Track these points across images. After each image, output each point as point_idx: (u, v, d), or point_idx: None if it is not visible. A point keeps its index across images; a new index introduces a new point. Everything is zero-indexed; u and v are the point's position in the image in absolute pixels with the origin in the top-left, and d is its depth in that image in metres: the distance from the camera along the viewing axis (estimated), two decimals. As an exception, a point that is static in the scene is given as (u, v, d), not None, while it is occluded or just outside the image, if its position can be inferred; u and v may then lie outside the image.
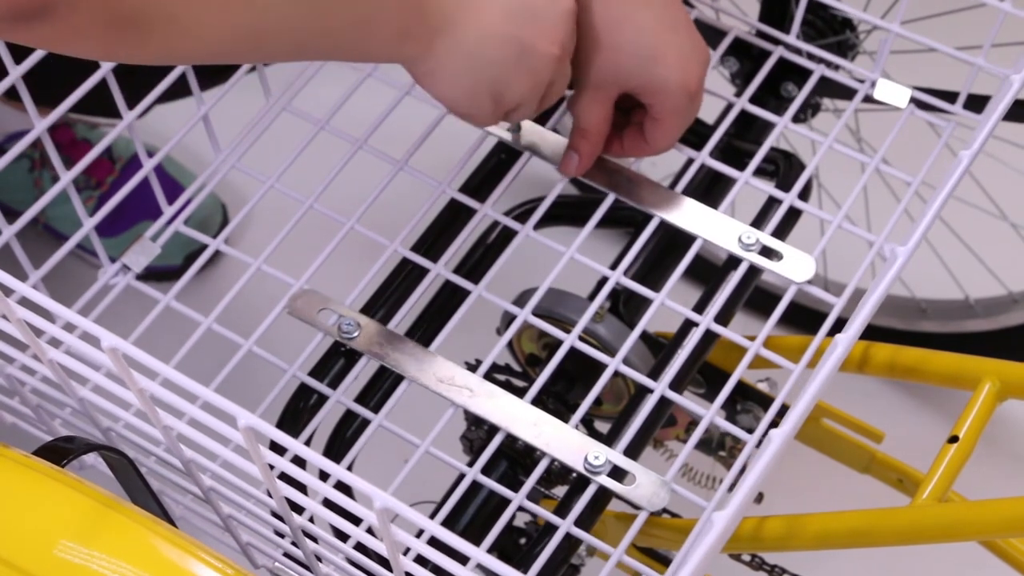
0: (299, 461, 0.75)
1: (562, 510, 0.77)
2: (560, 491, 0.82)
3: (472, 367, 0.90)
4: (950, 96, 0.91)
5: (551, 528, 0.77)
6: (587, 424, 0.97)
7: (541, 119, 0.89)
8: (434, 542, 0.52)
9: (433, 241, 0.87)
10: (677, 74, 0.80)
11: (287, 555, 0.70)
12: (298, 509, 0.60)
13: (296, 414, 0.82)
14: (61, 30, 0.59)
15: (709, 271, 0.88)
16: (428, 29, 0.73)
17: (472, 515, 0.85)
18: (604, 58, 0.79)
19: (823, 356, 0.71)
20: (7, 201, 1.40)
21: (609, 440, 0.80)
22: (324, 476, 0.79)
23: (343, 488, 0.74)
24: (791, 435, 0.64)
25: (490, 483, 0.77)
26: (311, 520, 0.65)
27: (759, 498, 0.98)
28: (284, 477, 0.55)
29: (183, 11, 0.62)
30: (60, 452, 0.57)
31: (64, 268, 0.82)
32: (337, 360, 0.82)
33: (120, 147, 1.43)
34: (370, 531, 0.71)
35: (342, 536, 0.66)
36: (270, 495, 0.58)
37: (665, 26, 0.79)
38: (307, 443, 0.80)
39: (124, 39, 0.61)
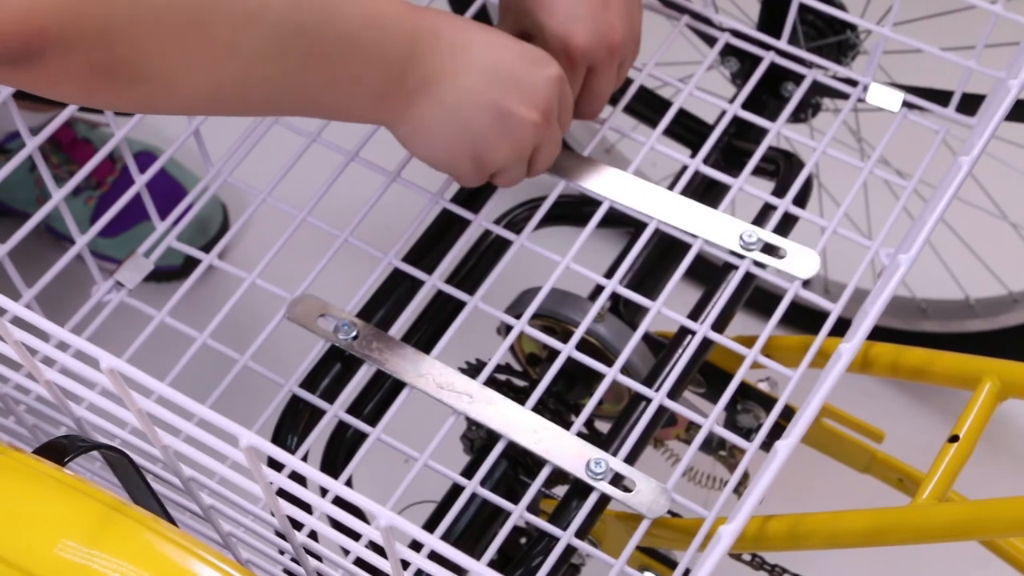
0: (299, 476, 0.74)
1: (561, 514, 0.77)
2: (559, 490, 0.82)
3: (471, 367, 0.90)
4: (945, 96, 0.91)
5: (551, 533, 0.76)
6: (587, 423, 0.97)
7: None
8: (435, 556, 0.52)
9: (427, 250, 0.87)
10: (556, 28, 0.80)
11: (287, 572, 0.70)
12: (298, 526, 0.60)
13: (294, 421, 0.81)
14: (47, 75, 0.58)
15: (709, 271, 0.88)
16: (407, 92, 0.74)
17: (470, 520, 0.85)
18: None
19: (826, 366, 0.71)
20: (8, 200, 1.40)
21: (608, 443, 0.80)
22: (324, 489, 0.79)
23: (343, 503, 0.74)
24: (795, 445, 0.63)
25: (490, 495, 0.77)
26: (311, 535, 0.65)
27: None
28: (283, 492, 0.54)
29: (168, 65, 0.62)
30: (61, 450, 0.57)
31: (63, 269, 0.82)
32: (334, 364, 0.82)
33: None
34: (371, 544, 0.70)
35: (343, 551, 0.66)
36: (271, 513, 0.58)
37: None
38: (305, 456, 0.80)
39: (108, 88, 0.61)
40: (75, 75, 0.59)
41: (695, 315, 0.84)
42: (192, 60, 0.63)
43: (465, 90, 0.75)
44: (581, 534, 0.76)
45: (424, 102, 0.75)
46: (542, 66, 0.78)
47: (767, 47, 0.94)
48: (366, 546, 0.56)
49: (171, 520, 0.62)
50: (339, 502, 0.73)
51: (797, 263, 0.83)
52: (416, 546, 0.80)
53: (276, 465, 0.75)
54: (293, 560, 0.66)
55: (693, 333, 0.82)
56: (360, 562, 0.62)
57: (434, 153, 0.78)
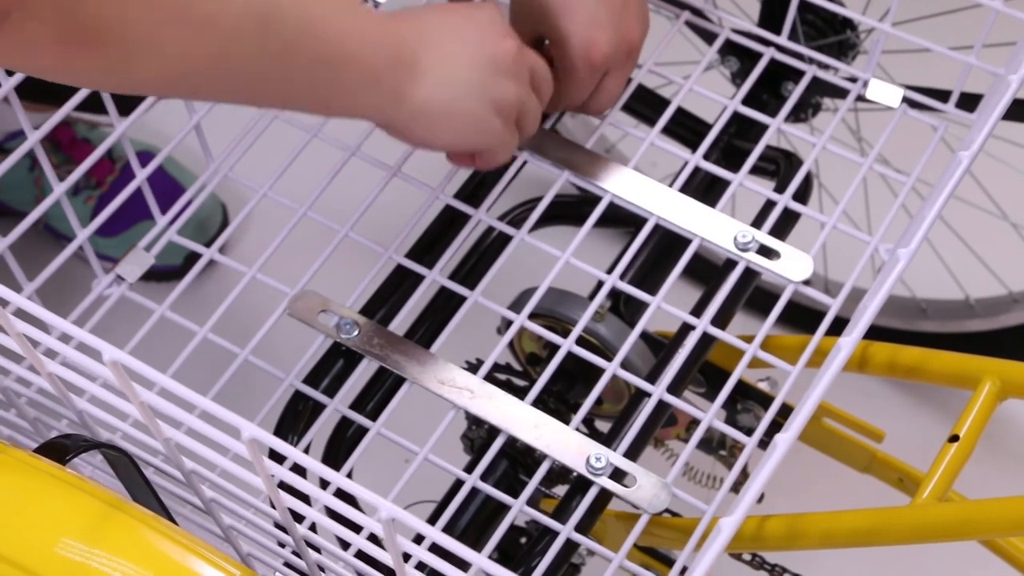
0: (300, 469, 0.74)
1: (562, 512, 0.77)
2: (560, 490, 0.82)
3: (472, 366, 0.90)
4: (945, 96, 0.91)
5: (551, 528, 0.76)
6: (588, 423, 0.97)
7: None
8: (436, 548, 0.52)
9: (429, 246, 0.87)
10: (579, 36, 0.80)
11: (288, 564, 0.70)
12: (299, 518, 0.60)
13: (295, 419, 0.81)
14: (12, 40, 0.56)
15: (709, 270, 0.88)
16: (406, 67, 0.73)
17: (471, 517, 0.85)
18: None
19: (826, 360, 0.71)
20: (7, 200, 1.40)
21: (609, 440, 0.80)
22: (325, 483, 0.79)
23: (344, 496, 0.74)
24: (794, 440, 0.63)
25: (490, 489, 0.77)
26: (313, 529, 0.65)
27: (760, 498, 0.98)
28: (284, 485, 0.54)
29: (143, 29, 0.60)
30: (61, 450, 0.57)
31: (62, 268, 0.82)
32: (336, 361, 0.82)
33: (120, 146, 1.43)
34: (371, 537, 0.70)
35: (344, 544, 0.66)
36: (272, 506, 0.58)
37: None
38: (306, 449, 0.80)
39: (79, 55, 0.59)
40: (43, 40, 0.57)
41: (696, 312, 0.84)
42: (168, 30, 0.60)
43: (452, 56, 0.75)
44: (581, 531, 0.76)
45: (422, 83, 0.74)
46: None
47: (767, 43, 0.94)
48: (367, 538, 0.55)
49: (170, 516, 0.62)
50: (340, 496, 0.73)
51: (790, 266, 0.83)
52: (417, 541, 0.80)
53: (278, 458, 0.75)
54: (294, 553, 0.66)
55: (694, 328, 0.82)
56: (361, 555, 0.62)
57: (463, 126, 0.77)
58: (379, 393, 0.84)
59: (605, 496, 0.77)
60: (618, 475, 0.76)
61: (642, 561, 1.04)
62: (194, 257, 0.85)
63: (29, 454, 0.56)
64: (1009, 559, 0.91)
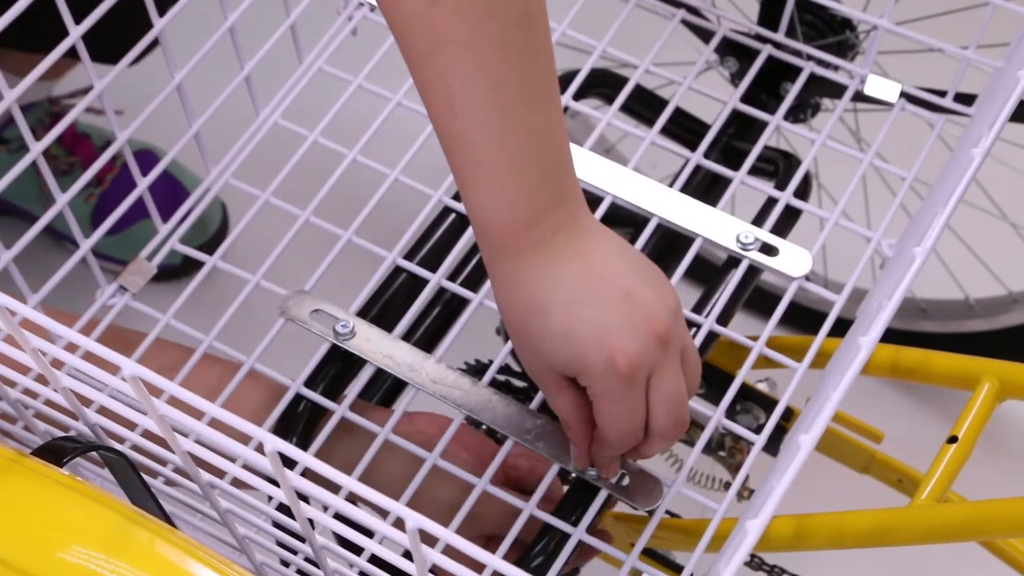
0: (306, 473, 0.74)
1: (561, 513, 0.77)
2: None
3: (471, 367, 0.90)
4: (943, 94, 0.91)
5: (548, 529, 0.77)
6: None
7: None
8: (449, 550, 0.52)
9: (430, 248, 0.87)
10: (596, 352, 0.68)
11: (300, 572, 0.70)
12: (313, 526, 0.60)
13: (295, 421, 0.81)
14: None
15: (707, 269, 0.88)
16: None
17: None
18: (524, 346, 0.70)
19: (831, 360, 0.70)
20: (9, 197, 1.40)
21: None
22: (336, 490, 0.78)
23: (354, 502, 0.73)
24: (816, 442, 0.63)
25: (502, 494, 0.77)
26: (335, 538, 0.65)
27: (748, 494, 0.98)
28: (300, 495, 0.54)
29: None
30: (59, 451, 0.57)
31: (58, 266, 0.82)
32: (333, 362, 0.82)
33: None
34: (384, 540, 0.70)
35: (357, 550, 0.65)
36: (284, 514, 0.58)
37: (576, 300, 0.68)
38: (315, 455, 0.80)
39: None
40: None
41: (698, 310, 0.84)
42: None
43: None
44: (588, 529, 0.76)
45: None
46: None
47: (765, 40, 0.95)
48: (379, 543, 0.55)
49: (169, 521, 0.62)
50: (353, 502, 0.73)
51: (790, 262, 0.84)
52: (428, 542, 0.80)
53: (288, 464, 0.75)
54: (307, 560, 0.66)
55: (698, 327, 0.82)
56: (374, 559, 0.62)
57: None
58: (379, 395, 0.83)
59: (608, 497, 0.77)
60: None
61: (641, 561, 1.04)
62: (194, 259, 0.85)
63: (38, 462, 0.55)
64: (1009, 560, 0.92)
